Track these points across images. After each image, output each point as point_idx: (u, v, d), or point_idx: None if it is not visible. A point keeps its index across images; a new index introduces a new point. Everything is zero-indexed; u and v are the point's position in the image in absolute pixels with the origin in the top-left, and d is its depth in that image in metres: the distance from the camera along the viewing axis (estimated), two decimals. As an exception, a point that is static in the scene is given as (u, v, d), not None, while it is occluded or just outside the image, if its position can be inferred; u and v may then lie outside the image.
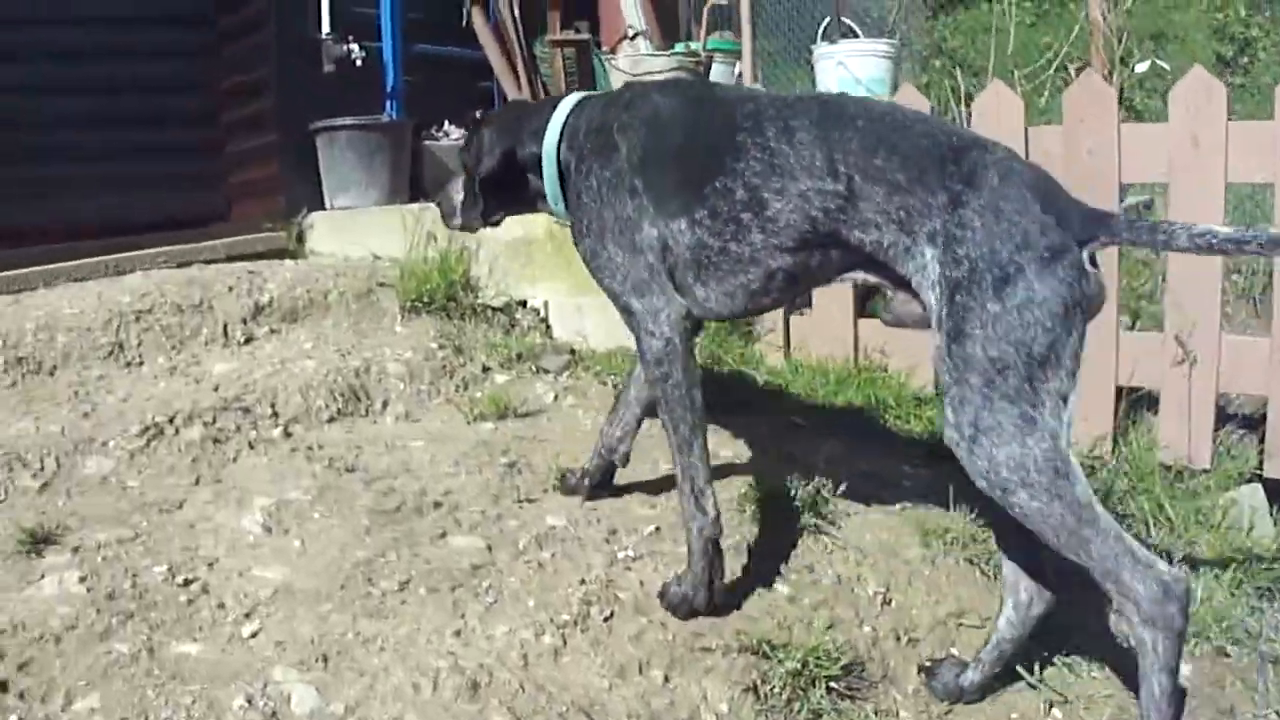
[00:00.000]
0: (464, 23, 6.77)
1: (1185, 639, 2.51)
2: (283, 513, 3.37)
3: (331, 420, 4.11)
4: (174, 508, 3.43)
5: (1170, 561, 2.85)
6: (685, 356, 2.99)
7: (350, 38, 6.33)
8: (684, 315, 2.98)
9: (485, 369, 4.60)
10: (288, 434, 3.97)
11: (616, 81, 6.15)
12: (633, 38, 6.33)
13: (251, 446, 3.85)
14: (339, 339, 4.64)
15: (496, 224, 3.56)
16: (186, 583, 2.98)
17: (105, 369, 4.25)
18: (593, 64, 6.42)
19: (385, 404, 4.28)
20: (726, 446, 3.99)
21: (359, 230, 5.59)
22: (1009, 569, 2.91)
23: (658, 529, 3.40)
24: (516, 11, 6.38)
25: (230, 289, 4.77)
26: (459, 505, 3.48)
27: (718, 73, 6.63)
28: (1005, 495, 2.50)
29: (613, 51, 6.33)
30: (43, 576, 2.98)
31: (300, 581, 3.00)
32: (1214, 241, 2.50)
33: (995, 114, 4.62)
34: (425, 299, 4.91)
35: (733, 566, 3.19)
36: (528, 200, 3.43)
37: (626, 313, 3.04)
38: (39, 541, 3.16)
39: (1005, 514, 2.58)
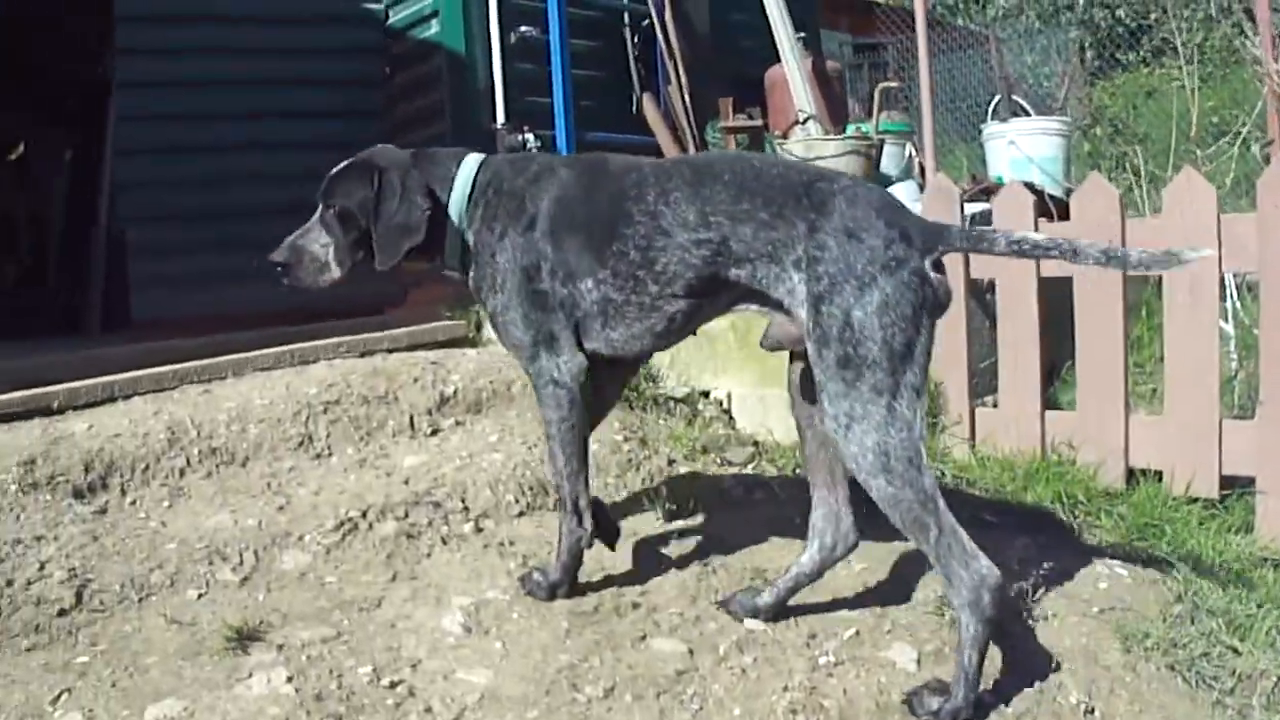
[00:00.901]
0: (634, 110, 6.86)
1: (989, 623, 2.88)
2: (482, 613, 3.37)
3: (521, 515, 4.10)
4: (373, 605, 3.45)
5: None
6: (580, 403, 3.38)
7: (525, 127, 6.41)
8: (583, 369, 3.35)
9: (670, 461, 4.56)
10: (479, 529, 3.96)
11: (789, 166, 6.13)
12: (804, 122, 6.32)
13: (444, 542, 3.86)
14: (524, 431, 4.63)
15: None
16: (392, 685, 2.99)
17: (296, 460, 4.31)
18: (764, 149, 6.41)
19: (573, 498, 4.24)
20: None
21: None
22: (816, 516, 3.34)
23: (857, 633, 3.34)
24: (687, 98, 6.43)
25: (415, 380, 4.81)
26: (657, 606, 3.45)
27: (889, 154, 6.57)
28: (870, 479, 2.89)
29: (784, 136, 6.33)
30: (250, 674, 3.02)
31: (505, 686, 2.99)
32: (1026, 247, 2.97)
33: (1188, 201, 4.48)
34: (609, 390, 4.87)
35: (937, 673, 3.13)
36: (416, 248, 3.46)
37: (533, 363, 3.36)
38: (244, 638, 3.20)
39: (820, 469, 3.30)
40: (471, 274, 3.44)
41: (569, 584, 3.46)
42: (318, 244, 3.48)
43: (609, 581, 3.58)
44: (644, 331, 3.30)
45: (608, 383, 3.69)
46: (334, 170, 3.49)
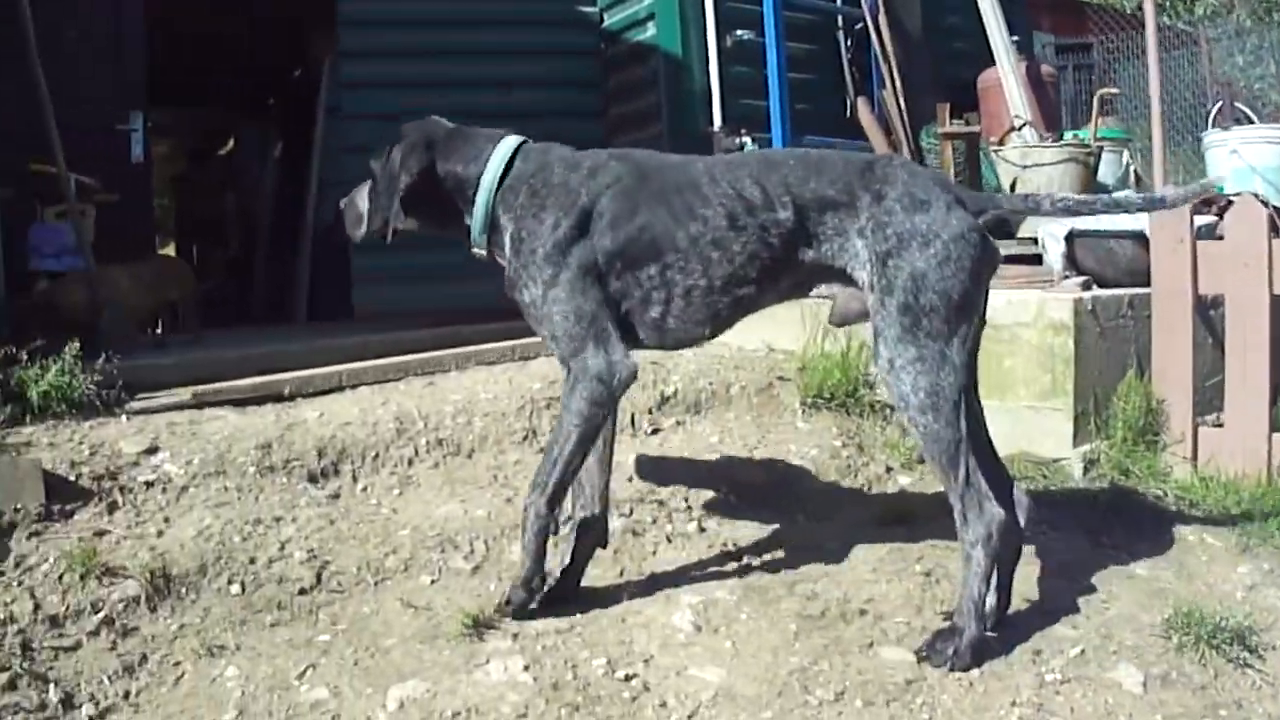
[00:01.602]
0: (848, 114, 6.84)
1: (994, 559, 3.18)
2: (710, 611, 3.40)
3: (743, 517, 4.11)
4: (603, 599, 3.50)
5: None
6: (612, 409, 3.40)
7: (742, 130, 6.44)
8: (634, 374, 3.34)
9: (888, 469, 4.55)
10: (702, 529, 4.00)
11: (1004, 174, 6.05)
12: (1020, 128, 6.23)
13: (669, 540, 3.91)
14: (743, 433, 4.67)
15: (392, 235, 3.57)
16: (627, 678, 3.04)
17: (520, 454, 4.39)
18: (979, 156, 6.33)
19: (793, 502, 4.26)
20: (1140, 565, 3.87)
21: (754, 321, 5.54)
22: None
23: (1082, 652, 3.28)
24: (902, 102, 6.38)
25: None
26: (883, 614, 3.44)
27: (1106, 162, 6.43)
28: (918, 415, 3.12)
29: (1000, 143, 6.24)
30: (488, 661, 3.11)
31: (738, 685, 3.01)
32: (1069, 205, 3.47)
33: None
34: (826, 394, 4.89)
35: (1163, 698, 3.08)
36: (439, 219, 3.57)
37: (576, 356, 3.29)
38: (480, 625, 3.28)
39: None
40: (510, 262, 3.41)
41: (540, 575, 3.38)
42: (360, 200, 3.67)
43: (833, 587, 3.59)
44: (706, 317, 3.38)
45: None
46: None
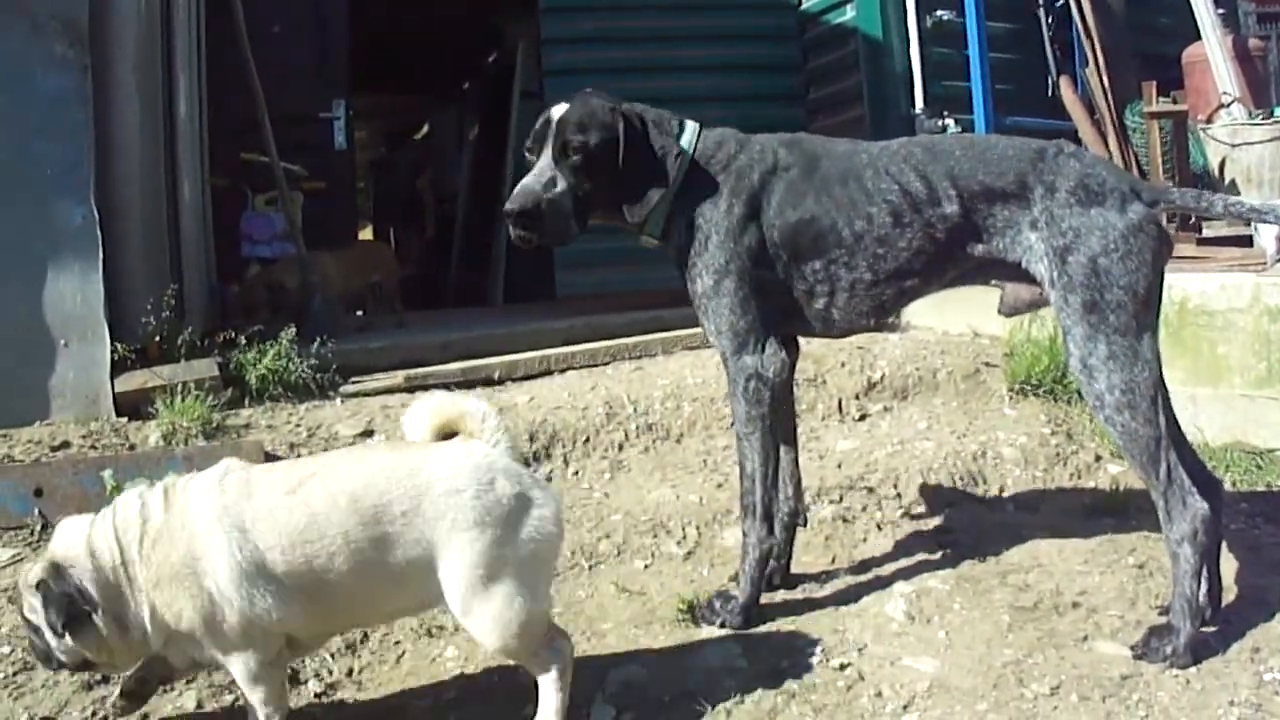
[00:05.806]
0: (1049, 93, 6.71)
1: (1203, 555, 3.05)
2: (923, 601, 3.41)
3: (951, 505, 4.11)
4: (815, 586, 3.54)
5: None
6: (778, 403, 3.35)
7: (945, 112, 6.40)
8: (786, 366, 3.32)
9: (1097, 458, 4.49)
10: (912, 516, 4.02)
11: (1213, 153, 5.90)
12: (1228, 105, 6.04)
13: (879, 527, 3.92)
14: (951, 419, 4.66)
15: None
16: (841, 667, 3.06)
17: (729, 439, 4.42)
18: (1187, 136, 6.17)
19: (1001, 490, 4.25)
20: None
21: (959, 304, 5.53)
22: None
23: (1307, 654, 3.18)
24: (1106, 81, 6.24)
25: (842, 364, 4.90)
26: (1096, 607, 3.39)
27: (1324, 141, 6.18)
28: (1114, 414, 3.05)
29: (1208, 121, 6.06)
30: (703, 646, 3.16)
31: (952, 677, 3.01)
32: (1241, 210, 3.35)
33: None
34: (1033, 381, 4.86)
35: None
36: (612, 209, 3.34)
37: (737, 354, 3.28)
38: (694, 611, 3.34)
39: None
40: (679, 245, 3.33)
41: (757, 601, 3.34)
42: (558, 191, 3.23)
43: (1045, 578, 3.56)
44: (871, 309, 3.34)
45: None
46: (561, 112, 3.28)
